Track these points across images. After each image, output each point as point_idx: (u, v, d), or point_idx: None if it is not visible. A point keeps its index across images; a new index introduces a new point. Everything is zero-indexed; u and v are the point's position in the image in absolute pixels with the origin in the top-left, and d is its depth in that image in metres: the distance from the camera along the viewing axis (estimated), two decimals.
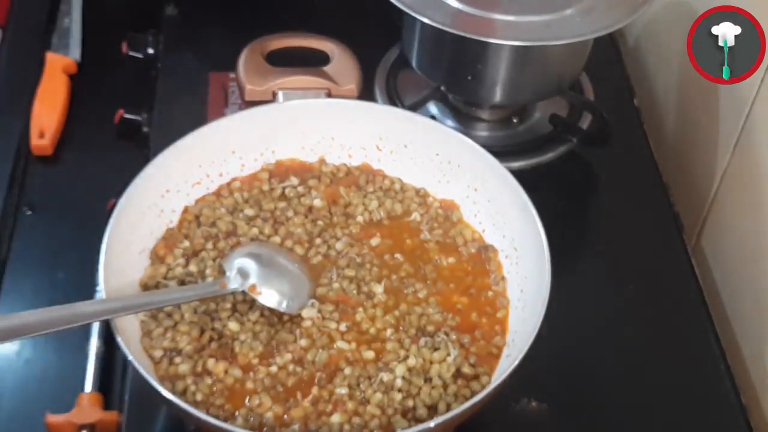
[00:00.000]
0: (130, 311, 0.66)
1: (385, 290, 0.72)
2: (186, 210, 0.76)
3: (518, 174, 0.74)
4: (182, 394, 0.65)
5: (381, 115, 0.81)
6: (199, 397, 0.65)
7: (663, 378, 0.76)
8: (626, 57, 1.05)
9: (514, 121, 0.95)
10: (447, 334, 0.70)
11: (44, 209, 0.91)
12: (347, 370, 0.67)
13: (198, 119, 0.86)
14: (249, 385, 0.67)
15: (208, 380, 0.66)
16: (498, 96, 0.89)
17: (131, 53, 1.00)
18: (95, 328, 0.80)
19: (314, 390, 0.66)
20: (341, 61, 0.93)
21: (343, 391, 0.66)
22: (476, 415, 0.64)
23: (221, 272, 0.71)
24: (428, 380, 0.67)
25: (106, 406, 0.76)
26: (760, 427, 0.78)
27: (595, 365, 0.77)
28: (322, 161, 0.81)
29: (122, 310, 0.65)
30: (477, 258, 0.75)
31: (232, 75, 0.94)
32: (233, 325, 0.69)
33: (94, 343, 0.79)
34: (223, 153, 0.78)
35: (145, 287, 0.71)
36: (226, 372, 0.67)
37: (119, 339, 0.63)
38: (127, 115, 0.95)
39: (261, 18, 1.02)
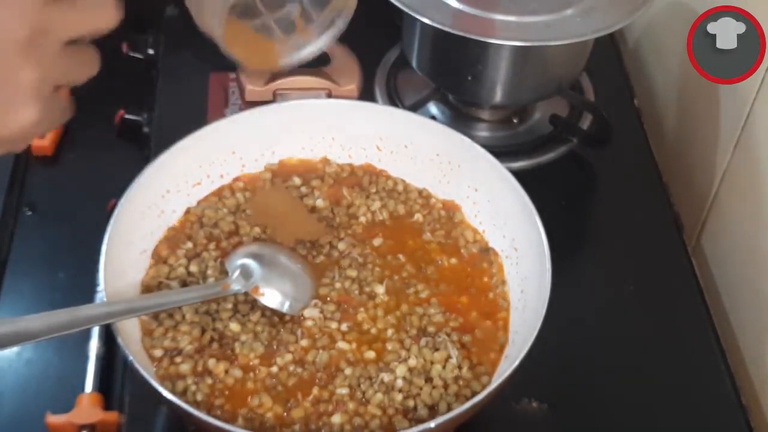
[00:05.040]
0: (133, 314, 0.66)
1: (386, 291, 0.72)
2: (188, 211, 0.76)
3: (518, 174, 0.74)
4: (182, 394, 0.65)
5: (381, 115, 0.81)
6: (199, 397, 0.65)
7: (663, 378, 0.76)
8: (626, 57, 1.05)
9: (514, 121, 0.95)
10: (448, 335, 0.70)
11: (44, 209, 0.91)
12: (348, 371, 0.67)
13: (198, 119, 0.86)
14: (249, 385, 0.66)
15: (209, 380, 0.66)
16: (498, 96, 0.89)
17: (131, 54, 1.00)
18: (95, 328, 0.79)
19: (315, 390, 0.66)
20: (341, 62, 0.93)
21: (343, 391, 0.66)
22: (477, 415, 0.64)
23: (223, 272, 0.71)
24: (429, 380, 0.67)
25: (107, 406, 0.76)
26: (760, 427, 0.78)
27: (596, 365, 0.77)
28: (325, 161, 0.81)
29: (126, 313, 0.65)
30: (478, 259, 0.75)
31: (232, 75, 0.94)
32: (234, 326, 0.69)
33: (94, 344, 0.79)
34: (224, 153, 0.78)
35: (147, 288, 0.71)
36: (226, 372, 0.67)
37: (119, 339, 0.63)
38: (128, 116, 0.95)
39: None
